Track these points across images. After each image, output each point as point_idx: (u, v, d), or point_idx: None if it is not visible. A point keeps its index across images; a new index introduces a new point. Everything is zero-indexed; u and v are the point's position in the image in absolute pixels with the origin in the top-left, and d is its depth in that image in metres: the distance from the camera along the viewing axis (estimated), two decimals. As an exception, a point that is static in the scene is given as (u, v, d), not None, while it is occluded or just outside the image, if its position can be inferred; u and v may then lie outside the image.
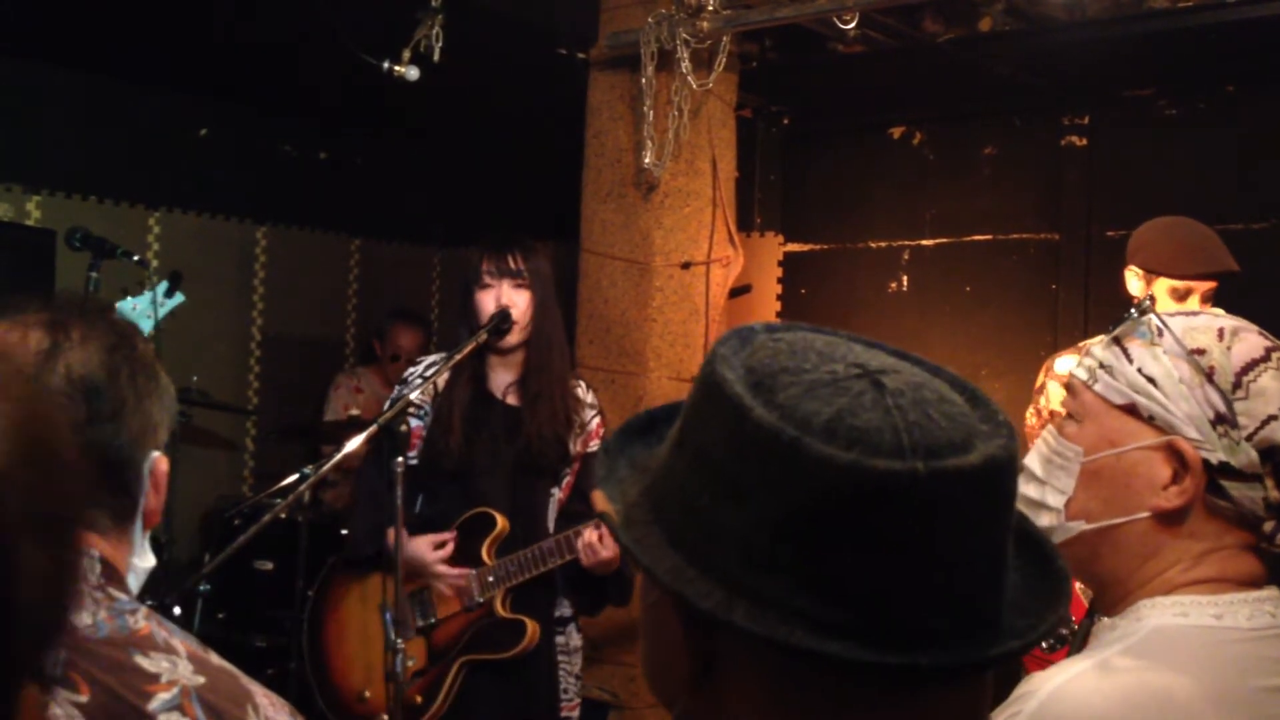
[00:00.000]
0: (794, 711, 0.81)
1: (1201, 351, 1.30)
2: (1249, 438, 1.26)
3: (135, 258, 3.91)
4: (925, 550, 0.77)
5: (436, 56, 3.96)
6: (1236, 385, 1.28)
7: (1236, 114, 4.60)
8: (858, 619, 0.76)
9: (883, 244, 5.39)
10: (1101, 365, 1.36)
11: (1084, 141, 4.90)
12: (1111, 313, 3.56)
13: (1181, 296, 3.27)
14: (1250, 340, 1.31)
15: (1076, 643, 1.51)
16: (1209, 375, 1.29)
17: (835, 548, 0.76)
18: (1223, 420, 1.27)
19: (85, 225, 3.99)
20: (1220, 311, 3.27)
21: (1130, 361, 1.33)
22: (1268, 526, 1.30)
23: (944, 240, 5.23)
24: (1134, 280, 3.36)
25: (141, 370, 1.32)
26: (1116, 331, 1.37)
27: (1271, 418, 1.27)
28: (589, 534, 3.05)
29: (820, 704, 0.80)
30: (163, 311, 3.75)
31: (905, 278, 5.32)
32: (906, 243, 5.32)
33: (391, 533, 3.03)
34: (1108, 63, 4.51)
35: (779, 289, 5.57)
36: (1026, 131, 5.07)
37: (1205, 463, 1.28)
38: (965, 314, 5.12)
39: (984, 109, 5.15)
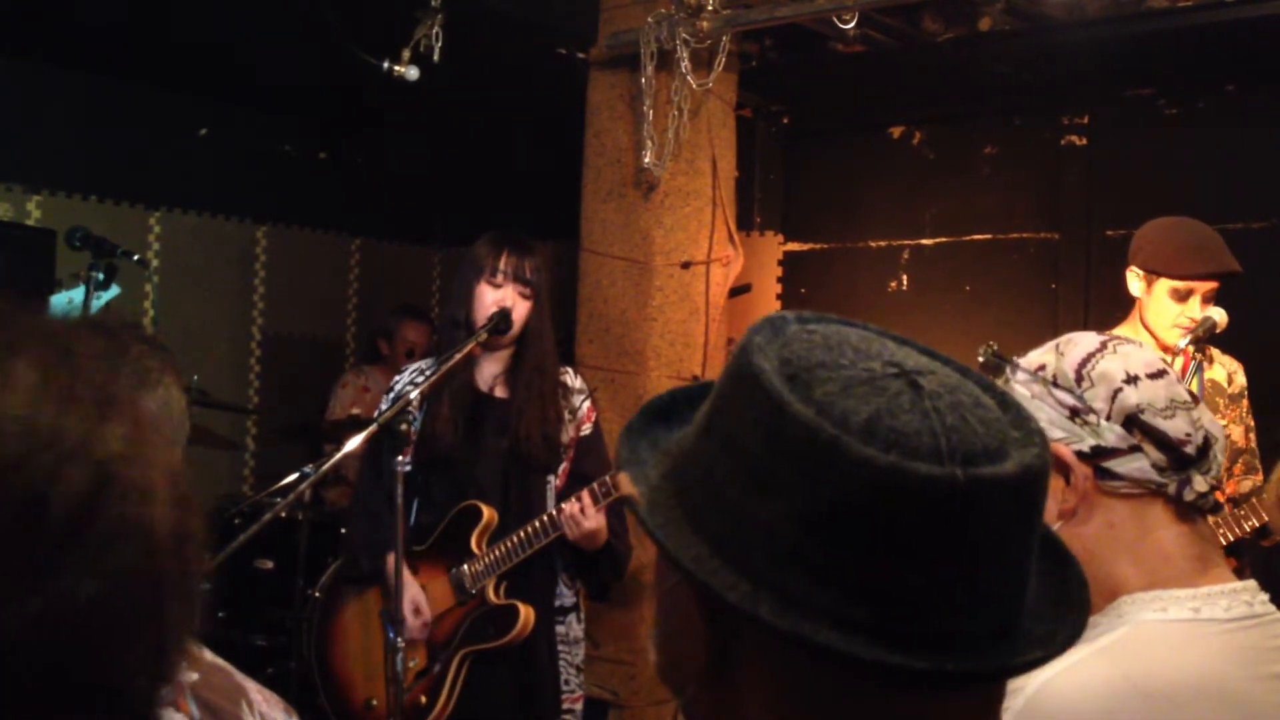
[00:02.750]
0: (809, 707, 0.81)
1: (1042, 367, 1.41)
2: (1108, 417, 1.35)
3: (135, 257, 3.90)
4: (956, 555, 0.76)
5: (436, 56, 3.97)
6: (1079, 379, 1.38)
7: (1236, 114, 4.60)
8: (883, 620, 0.76)
9: (882, 243, 5.39)
10: None
11: (1084, 141, 4.90)
12: (1112, 311, 3.57)
13: (1183, 297, 3.25)
14: (1083, 341, 1.42)
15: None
16: (1053, 381, 1.39)
17: (866, 548, 0.76)
18: (1077, 412, 1.36)
19: (85, 225, 3.98)
20: (1219, 311, 3.28)
21: None
22: (1172, 488, 1.35)
23: (944, 240, 5.23)
24: (1135, 281, 3.35)
25: (128, 377, 1.30)
26: None
27: (1118, 390, 1.35)
28: (570, 506, 3.06)
29: (836, 702, 0.80)
30: (98, 304, 3.68)
31: (905, 277, 5.32)
32: (906, 242, 5.32)
33: (388, 554, 3.03)
34: (1108, 63, 4.51)
35: (779, 288, 5.57)
36: (1026, 131, 5.07)
37: (1081, 454, 1.36)
38: (965, 313, 5.12)
39: (984, 109, 5.15)
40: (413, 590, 3.19)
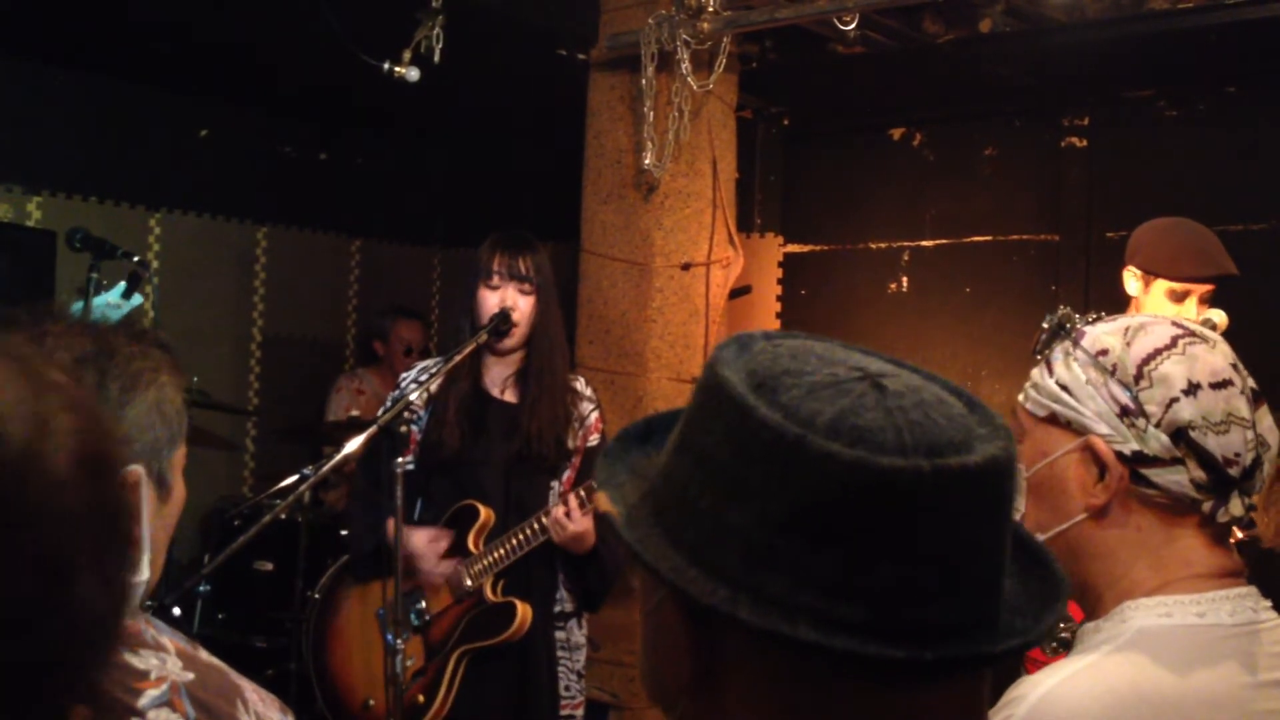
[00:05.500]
0: (795, 709, 0.82)
1: (1105, 352, 1.35)
2: (1157, 424, 1.30)
3: (135, 258, 3.89)
4: (927, 547, 0.78)
5: (437, 57, 3.96)
6: (1139, 376, 1.32)
7: (1236, 114, 4.60)
8: (860, 615, 0.77)
9: (883, 245, 5.39)
10: (1031, 384, 1.42)
11: (1084, 142, 4.90)
12: (1111, 313, 3.56)
13: (1179, 298, 3.26)
14: (1156, 332, 1.35)
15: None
16: (1111, 372, 1.34)
17: (837, 545, 0.77)
18: (1128, 412, 1.32)
19: (85, 226, 3.99)
20: (1219, 312, 3.28)
21: (1050, 374, 1.40)
22: (1207, 506, 1.32)
23: (944, 241, 5.23)
24: (1132, 281, 3.36)
25: (117, 379, 1.30)
26: (1040, 348, 1.42)
27: (1174, 400, 1.30)
28: (557, 510, 3.06)
29: (821, 701, 0.81)
30: (119, 314, 3.66)
31: (905, 279, 5.32)
32: (906, 244, 5.32)
33: (390, 524, 3.04)
34: (1108, 63, 4.51)
35: (779, 290, 5.57)
36: (1026, 132, 5.07)
37: (1121, 455, 1.32)
38: (965, 315, 5.12)
39: (984, 110, 5.15)
40: (420, 532, 3.19)
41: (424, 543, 3.18)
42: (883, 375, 0.82)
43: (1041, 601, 0.87)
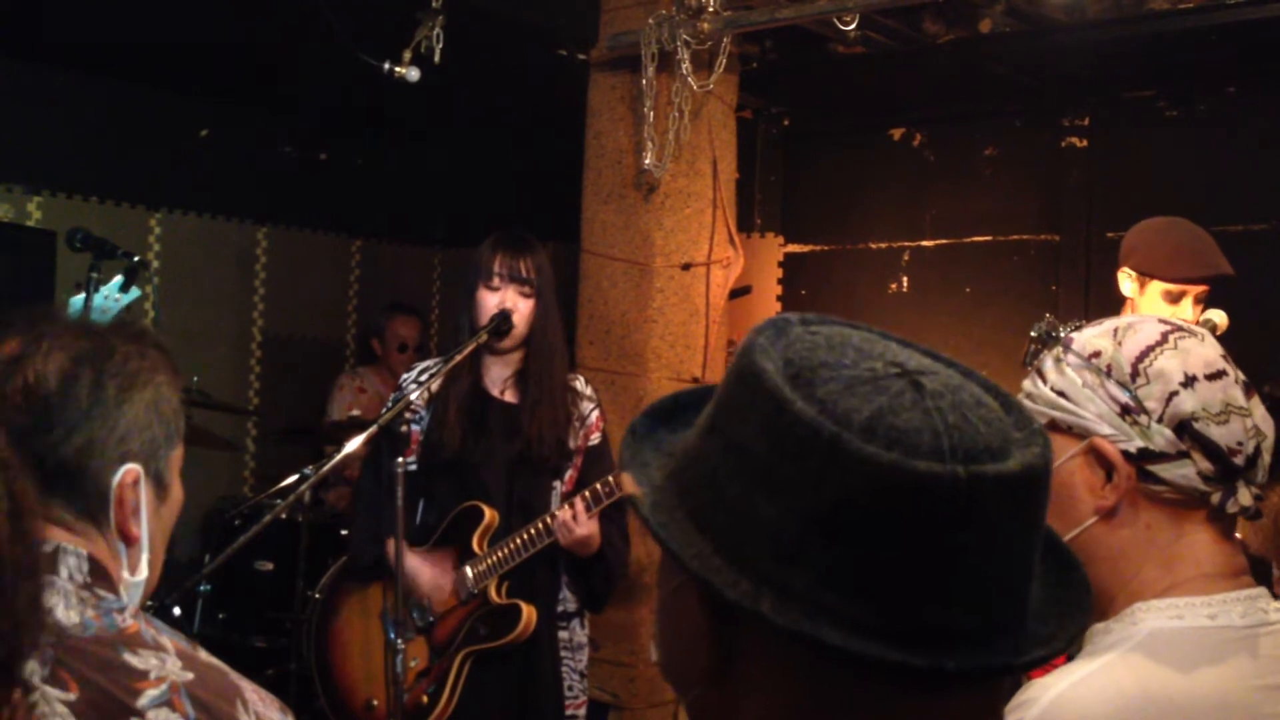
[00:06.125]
0: (813, 706, 0.81)
1: (1098, 354, 1.36)
2: (1160, 419, 1.31)
3: (136, 258, 3.89)
4: (957, 554, 0.76)
5: (437, 57, 3.96)
6: (1135, 374, 1.33)
7: (1236, 114, 4.60)
8: (885, 618, 0.76)
9: (883, 245, 5.39)
10: (1025, 394, 1.43)
11: (1084, 142, 4.90)
12: (1112, 313, 3.56)
13: (1175, 299, 3.25)
14: (1145, 330, 1.36)
15: (1075, 647, 1.52)
16: (1107, 373, 1.34)
17: (867, 546, 0.76)
18: (1128, 410, 1.32)
19: (86, 226, 3.98)
20: (1219, 313, 3.27)
21: (1044, 382, 1.40)
22: (1215, 499, 1.32)
23: (944, 241, 5.23)
24: (1127, 282, 3.35)
25: (114, 379, 1.30)
26: (1030, 358, 1.42)
27: (1173, 393, 1.30)
28: (563, 513, 3.06)
29: (838, 701, 0.80)
30: (118, 308, 3.66)
31: (905, 279, 5.32)
32: (907, 244, 5.32)
33: (390, 540, 3.04)
34: (1108, 64, 4.51)
35: (779, 290, 5.58)
36: (1027, 133, 5.07)
37: (1127, 454, 1.32)
38: (965, 315, 5.12)
39: (984, 110, 5.15)
40: (423, 570, 3.21)
41: (428, 580, 3.21)
42: (921, 372, 0.80)
43: (1066, 608, 0.86)
